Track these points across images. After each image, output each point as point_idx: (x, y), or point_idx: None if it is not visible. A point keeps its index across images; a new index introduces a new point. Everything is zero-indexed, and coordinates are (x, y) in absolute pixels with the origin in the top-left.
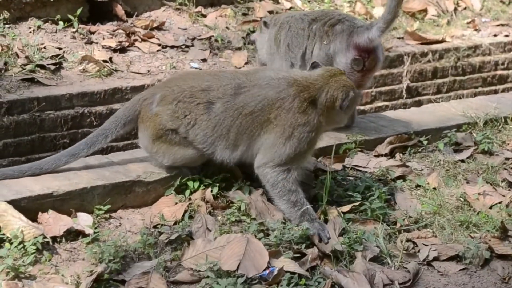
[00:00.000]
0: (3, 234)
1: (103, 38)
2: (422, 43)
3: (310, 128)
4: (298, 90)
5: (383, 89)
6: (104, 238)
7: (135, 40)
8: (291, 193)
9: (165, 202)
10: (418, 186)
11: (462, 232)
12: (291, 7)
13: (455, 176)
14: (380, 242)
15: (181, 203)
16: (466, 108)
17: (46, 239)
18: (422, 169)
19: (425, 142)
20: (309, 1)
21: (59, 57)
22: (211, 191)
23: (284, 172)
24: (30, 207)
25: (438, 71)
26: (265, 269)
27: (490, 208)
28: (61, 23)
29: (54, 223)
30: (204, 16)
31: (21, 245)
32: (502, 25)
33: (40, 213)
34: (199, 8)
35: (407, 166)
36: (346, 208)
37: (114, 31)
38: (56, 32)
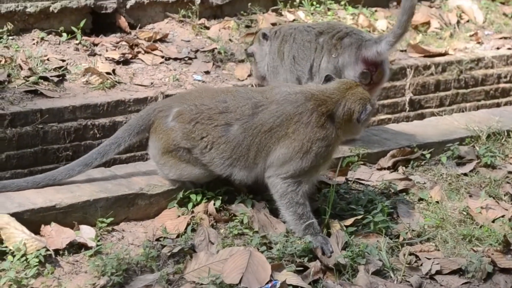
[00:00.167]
0: (6, 247)
1: (106, 50)
2: (425, 56)
3: (328, 142)
4: (316, 104)
5: (386, 102)
6: (107, 251)
7: (138, 52)
8: (298, 206)
9: (168, 215)
10: (421, 199)
11: (464, 246)
12: (294, 19)
13: (458, 190)
14: (383, 256)
15: (184, 216)
16: (469, 121)
17: (48, 252)
18: (425, 183)
19: (428, 156)
20: (312, 14)
21: (62, 69)
22: (214, 204)
23: (295, 184)
24: (32, 220)
25: (440, 84)
26: (267, 282)
27: (493, 221)
28: (64, 35)
29: (57, 235)
30: (208, 28)
31: (24, 258)
32: (505, 38)
33: (42, 226)
34: (202, 20)
35: (410, 180)
36: (348, 221)
37: (118, 43)
38: (59, 44)
